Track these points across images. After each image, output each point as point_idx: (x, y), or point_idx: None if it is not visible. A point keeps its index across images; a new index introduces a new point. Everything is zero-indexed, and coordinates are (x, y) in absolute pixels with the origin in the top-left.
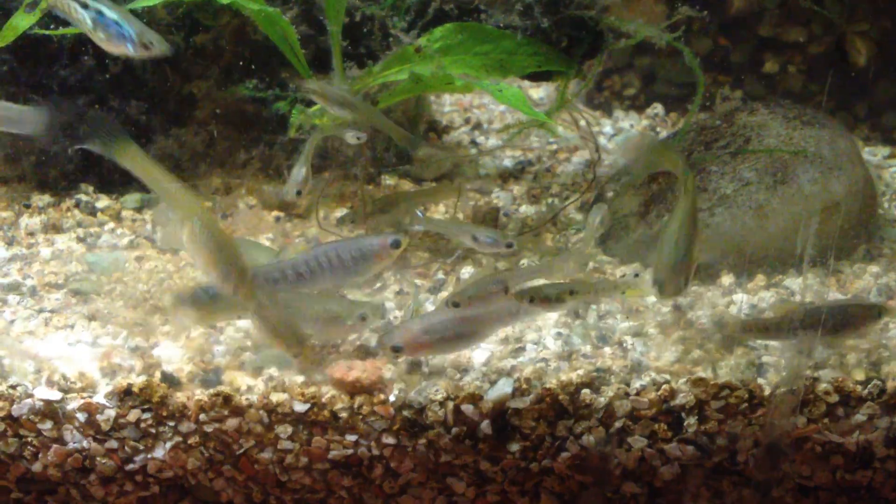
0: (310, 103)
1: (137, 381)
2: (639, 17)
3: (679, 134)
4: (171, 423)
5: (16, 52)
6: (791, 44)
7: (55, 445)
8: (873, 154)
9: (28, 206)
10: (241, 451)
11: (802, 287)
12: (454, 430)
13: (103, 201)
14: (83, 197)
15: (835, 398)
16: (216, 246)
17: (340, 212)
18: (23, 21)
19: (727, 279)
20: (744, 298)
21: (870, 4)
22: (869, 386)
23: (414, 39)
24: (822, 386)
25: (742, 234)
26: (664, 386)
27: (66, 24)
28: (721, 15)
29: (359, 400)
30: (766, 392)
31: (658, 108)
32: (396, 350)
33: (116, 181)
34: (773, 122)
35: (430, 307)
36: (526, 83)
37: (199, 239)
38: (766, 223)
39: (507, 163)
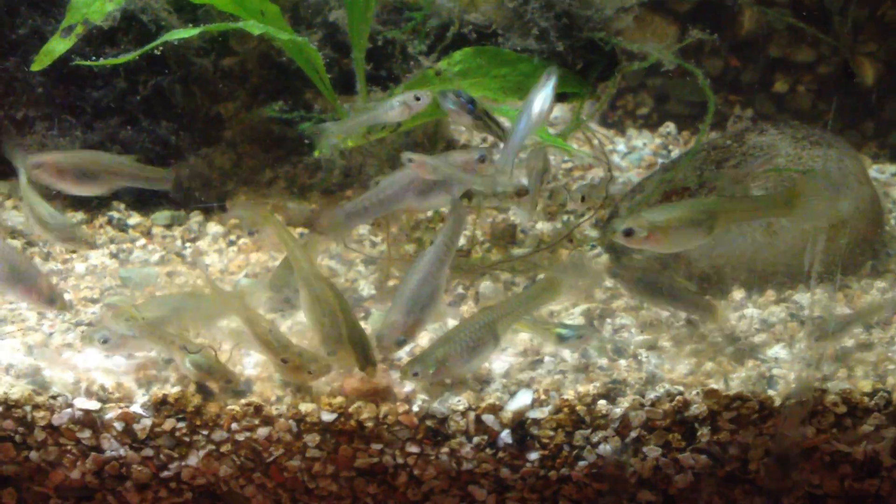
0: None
1: (172, 391)
2: (651, 39)
3: (690, 153)
4: (205, 432)
5: (49, 74)
6: (800, 64)
7: (93, 453)
8: (881, 172)
9: None
10: (271, 458)
11: (811, 302)
12: (475, 439)
13: (135, 218)
14: (115, 214)
15: (843, 409)
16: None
17: (363, 229)
18: (59, 46)
19: (738, 294)
20: (754, 313)
21: (877, 26)
22: (875, 397)
23: (434, 63)
24: (831, 397)
25: (752, 251)
26: (678, 397)
27: (100, 51)
28: (732, 36)
29: (384, 410)
30: (777, 403)
31: (670, 126)
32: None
33: (147, 199)
34: (782, 142)
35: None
36: None
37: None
38: (776, 240)
39: (524, 180)
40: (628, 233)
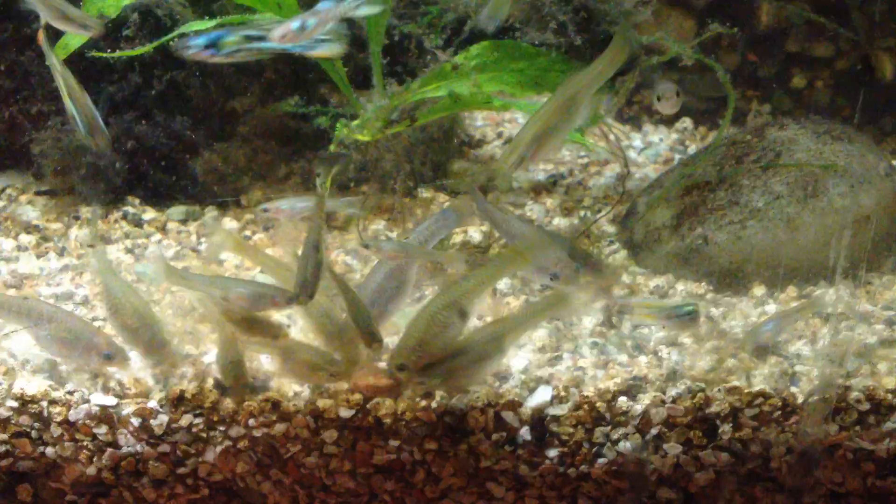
0: (353, 117)
1: (189, 387)
2: (669, 34)
3: (710, 148)
4: (222, 428)
5: None
6: (818, 59)
7: (110, 449)
8: None
9: (77, 219)
10: (289, 455)
11: (833, 299)
12: (494, 436)
13: (149, 213)
14: (130, 209)
15: (866, 406)
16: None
17: (379, 224)
18: (74, 40)
19: (759, 290)
20: (776, 309)
21: None
22: None
23: (450, 57)
24: (854, 394)
25: (773, 247)
26: (699, 394)
27: (115, 45)
28: (749, 31)
29: (402, 406)
30: (799, 400)
31: (687, 122)
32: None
33: (162, 194)
34: (803, 137)
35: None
36: None
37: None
38: (797, 236)
39: (540, 176)
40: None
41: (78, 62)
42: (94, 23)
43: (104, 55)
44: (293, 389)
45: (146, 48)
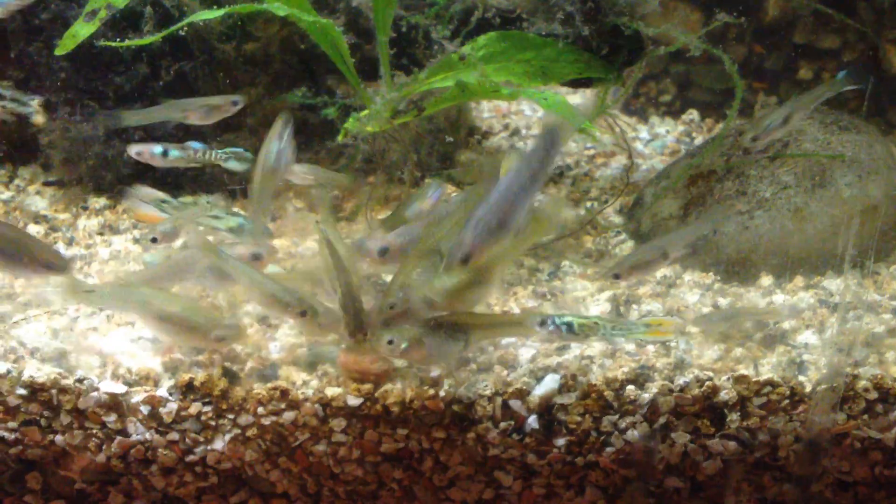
0: (360, 108)
1: (199, 375)
2: (676, 25)
3: (718, 138)
4: (231, 416)
5: (72, 60)
6: (825, 51)
7: (119, 437)
8: None
9: (86, 209)
10: (297, 443)
11: (842, 288)
12: (502, 424)
13: None
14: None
15: (874, 395)
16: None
17: (385, 214)
18: (82, 30)
19: (767, 280)
20: (783, 299)
21: None
22: None
23: (458, 48)
24: (862, 383)
25: (781, 237)
26: (707, 383)
27: (124, 34)
28: (756, 22)
29: (410, 394)
30: (807, 389)
31: (693, 114)
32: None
33: (170, 184)
34: (811, 127)
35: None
36: (563, 90)
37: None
38: (805, 226)
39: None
40: (390, 342)
41: (85, 53)
42: None
43: (113, 44)
44: (301, 378)
45: (155, 37)
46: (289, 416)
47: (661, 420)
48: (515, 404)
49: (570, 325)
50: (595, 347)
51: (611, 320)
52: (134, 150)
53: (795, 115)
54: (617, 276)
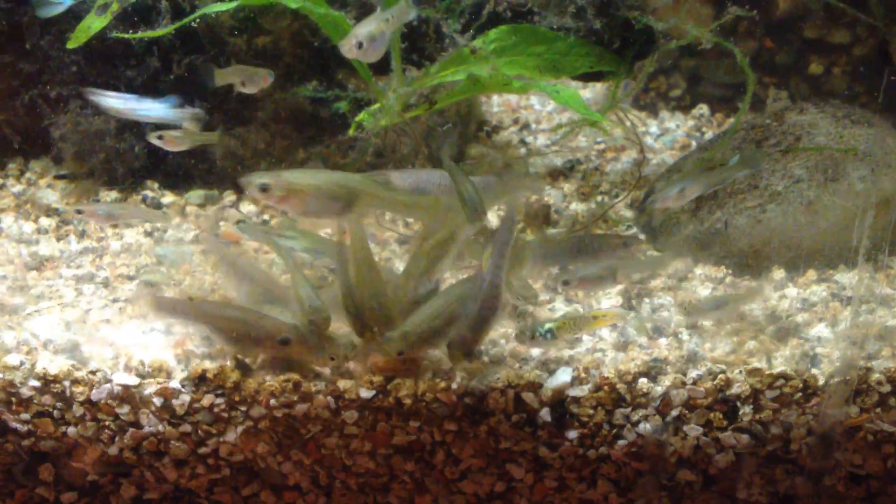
0: (371, 102)
1: (211, 367)
2: (686, 19)
3: (729, 132)
4: (243, 408)
5: (84, 53)
6: (836, 45)
7: (131, 429)
8: None
9: (97, 202)
10: (309, 435)
11: (855, 282)
12: (514, 417)
13: (168, 197)
14: (149, 193)
15: (887, 388)
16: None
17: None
18: (95, 23)
19: (779, 274)
20: (795, 293)
21: None
22: None
23: (469, 41)
24: (875, 376)
25: (793, 230)
26: (720, 376)
27: (136, 26)
28: (767, 17)
29: (422, 387)
30: (820, 382)
31: (703, 108)
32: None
33: (181, 178)
34: (823, 121)
35: None
36: (573, 84)
37: None
38: (817, 219)
39: (557, 161)
40: (264, 188)
41: (97, 46)
42: None
43: (125, 36)
44: (314, 370)
45: (166, 30)
46: (301, 408)
47: (674, 413)
48: (528, 397)
49: (551, 332)
50: (606, 340)
51: (573, 317)
52: (155, 136)
53: (688, 190)
54: (566, 283)
